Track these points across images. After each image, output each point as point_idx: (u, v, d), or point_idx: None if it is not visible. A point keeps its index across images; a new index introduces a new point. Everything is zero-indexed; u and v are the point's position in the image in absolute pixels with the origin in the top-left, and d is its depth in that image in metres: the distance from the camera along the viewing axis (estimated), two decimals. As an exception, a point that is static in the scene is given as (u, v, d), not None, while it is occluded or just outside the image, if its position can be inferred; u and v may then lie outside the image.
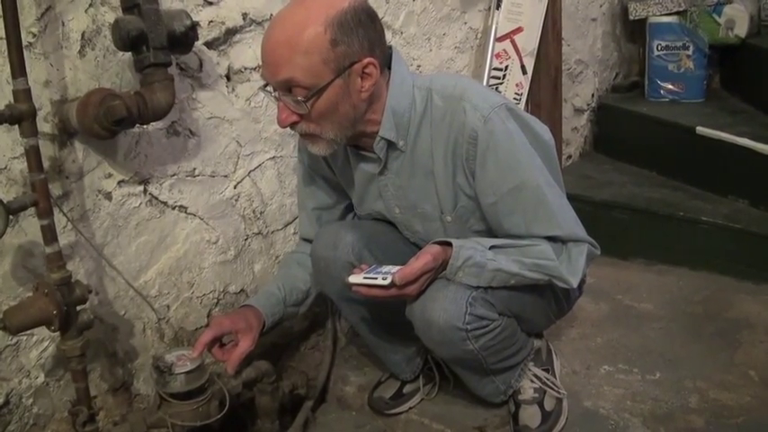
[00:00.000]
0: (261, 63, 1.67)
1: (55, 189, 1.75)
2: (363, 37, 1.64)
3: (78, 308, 1.73)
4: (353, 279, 1.70)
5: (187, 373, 1.86)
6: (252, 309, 1.97)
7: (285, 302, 2.03)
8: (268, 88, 1.72)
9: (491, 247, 1.74)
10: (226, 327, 1.89)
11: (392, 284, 1.66)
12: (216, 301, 2.20)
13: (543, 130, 1.82)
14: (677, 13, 3.37)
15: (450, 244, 1.72)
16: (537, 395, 2.01)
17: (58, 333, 1.72)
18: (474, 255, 1.71)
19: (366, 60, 1.65)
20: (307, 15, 1.60)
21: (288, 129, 1.72)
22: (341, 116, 1.69)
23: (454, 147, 1.75)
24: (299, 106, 1.64)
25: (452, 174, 1.79)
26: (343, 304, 2.02)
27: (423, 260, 1.69)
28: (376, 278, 1.67)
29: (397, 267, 1.69)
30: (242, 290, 2.26)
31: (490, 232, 1.85)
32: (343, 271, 1.81)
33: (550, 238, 1.78)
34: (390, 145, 1.80)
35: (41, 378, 1.82)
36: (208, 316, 2.17)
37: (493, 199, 1.76)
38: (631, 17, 3.48)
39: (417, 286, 1.71)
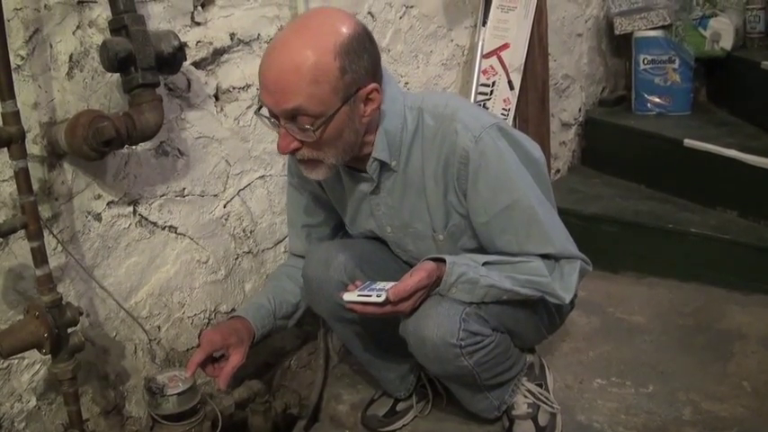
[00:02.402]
0: (261, 89, 1.64)
1: (44, 211, 1.74)
2: (368, 62, 1.64)
3: (69, 330, 1.72)
4: (347, 297, 1.70)
5: (179, 394, 1.85)
6: (241, 320, 1.97)
7: (275, 315, 2.03)
8: (263, 112, 1.69)
9: (484, 264, 1.75)
10: (217, 344, 1.88)
11: (387, 301, 1.66)
12: (207, 321, 2.19)
13: (534, 148, 1.83)
14: (662, 27, 3.39)
15: (443, 260, 1.73)
16: (531, 410, 2.01)
17: (49, 356, 1.71)
18: (467, 271, 1.71)
19: (371, 86, 1.65)
20: (314, 43, 1.57)
21: (276, 146, 1.71)
22: (344, 142, 1.69)
23: (445, 166, 1.76)
24: (306, 134, 1.63)
25: (444, 192, 1.80)
26: (335, 323, 2.02)
27: (417, 277, 1.69)
28: (370, 295, 1.67)
29: (391, 284, 1.69)
30: (233, 309, 2.25)
31: (482, 250, 1.85)
32: (335, 290, 1.80)
33: (543, 256, 1.78)
34: (383, 165, 1.80)
35: (33, 402, 1.81)
36: (199, 336, 2.16)
37: (485, 218, 1.77)
38: (617, 32, 3.49)
39: (411, 303, 1.71)
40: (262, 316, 2.00)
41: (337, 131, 1.65)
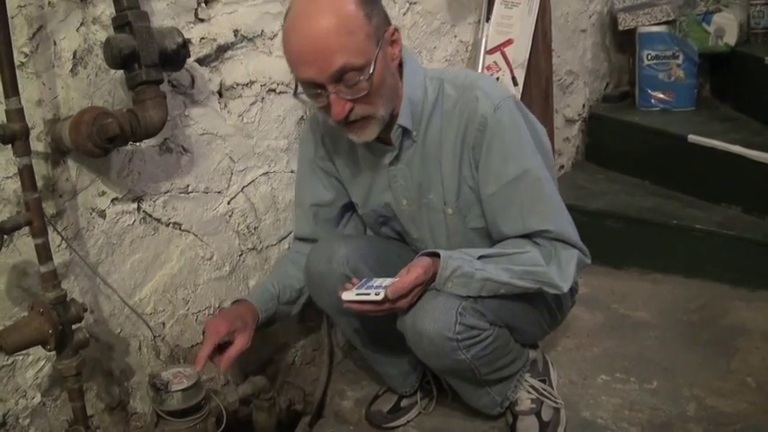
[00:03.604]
0: (297, 66, 1.67)
1: (49, 208, 1.74)
2: (381, 6, 1.71)
3: (74, 327, 1.72)
4: (346, 296, 1.71)
5: (184, 390, 1.85)
6: (245, 303, 1.98)
7: (279, 299, 2.04)
8: (301, 94, 1.72)
9: (480, 257, 1.75)
10: (223, 333, 1.88)
11: (385, 299, 1.66)
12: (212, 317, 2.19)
13: (543, 133, 1.87)
14: (666, 22, 3.38)
15: (438, 255, 1.73)
16: (534, 406, 2.01)
17: (53, 352, 1.71)
18: (462, 265, 1.72)
19: (392, 27, 1.72)
20: (333, 1, 1.63)
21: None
22: (388, 88, 1.74)
23: (464, 135, 1.79)
24: (358, 88, 1.66)
25: (459, 164, 1.83)
26: (339, 318, 2.02)
27: (414, 273, 1.69)
28: (368, 293, 1.68)
29: (389, 280, 1.69)
30: (237, 305, 2.25)
31: (486, 232, 1.87)
32: (338, 284, 1.80)
33: (544, 233, 1.79)
34: (405, 134, 1.83)
35: (38, 398, 1.81)
36: (203, 333, 2.16)
37: (494, 188, 1.79)
38: (621, 27, 3.49)
39: (409, 299, 1.72)
40: (265, 299, 2.01)
41: (382, 77, 1.69)
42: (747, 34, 3.44)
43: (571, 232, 1.83)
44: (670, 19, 3.37)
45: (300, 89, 1.71)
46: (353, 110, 1.69)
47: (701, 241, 2.78)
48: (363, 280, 1.75)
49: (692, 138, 3.00)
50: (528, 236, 1.81)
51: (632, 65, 3.61)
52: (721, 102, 3.54)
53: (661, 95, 3.43)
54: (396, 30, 1.73)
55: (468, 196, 1.86)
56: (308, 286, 2.00)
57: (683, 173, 3.07)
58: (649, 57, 3.42)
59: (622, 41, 3.71)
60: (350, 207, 2.12)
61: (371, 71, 1.65)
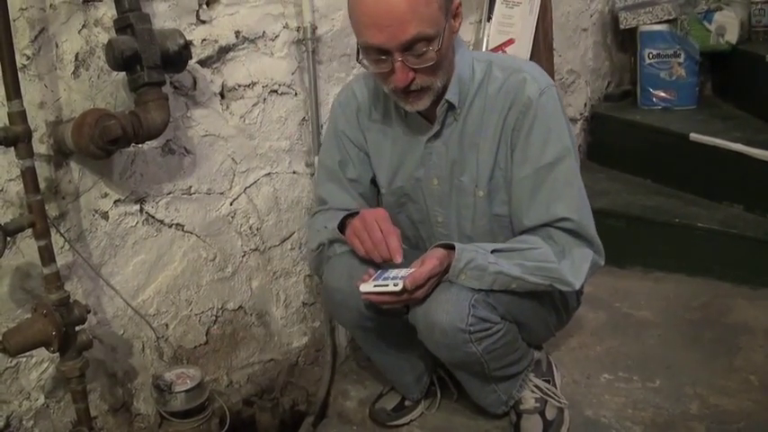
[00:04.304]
0: (366, 29, 1.64)
1: (51, 210, 1.75)
2: None
3: (77, 328, 1.73)
4: (364, 287, 1.70)
5: (187, 391, 1.86)
6: (375, 209, 1.86)
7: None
8: (362, 60, 1.71)
9: (493, 251, 1.75)
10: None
11: (403, 290, 1.66)
12: (215, 318, 2.19)
13: (572, 131, 1.88)
14: (667, 21, 3.38)
15: (452, 248, 1.73)
16: (538, 405, 2.01)
17: (57, 354, 1.72)
18: (476, 257, 1.72)
19: (458, 0, 1.72)
20: None
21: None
22: (449, 60, 1.76)
23: (506, 115, 1.81)
24: (426, 58, 1.66)
25: (496, 148, 1.84)
26: (357, 332, 2.03)
27: (430, 264, 1.70)
28: (387, 284, 1.68)
29: (404, 271, 1.69)
30: (240, 306, 2.26)
31: (507, 221, 1.89)
32: (358, 300, 1.80)
33: (565, 221, 1.79)
34: (449, 110, 1.84)
35: (41, 400, 1.82)
36: (206, 333, 2.17)
37: (528, 171, 1.80)
38: (622, 26, 3.49)
39: (425, 290, 1.72)
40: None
41: (446, 49, 1.72)
42: (749, 32, 3.43)
43: (591, 227, 1.84)
44: (671, 17, 3.37)
45: (361, 54, 1.70)
46: (415, 80, 1.70)
47: (703, 240, 2.78)
48: (379, 271, 1.75)
49: (694, 136, 3.00)
50: (548, 225, 1.81)
51: (634, 64, 3.61)
52: (723, 100, 3.54)
53: (662, 94, 3.43)
54: (460, 2, 1.74)
55: (499, 180, 1.87)
56: (327, 302, 1.99)
57: (684, 171, 3.07)
58: (651, 55, 3.42)
59: (623, 40, 3.71)
60: (367, 193, 2.07)
61: (440, 42, 1.66)
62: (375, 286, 1.69)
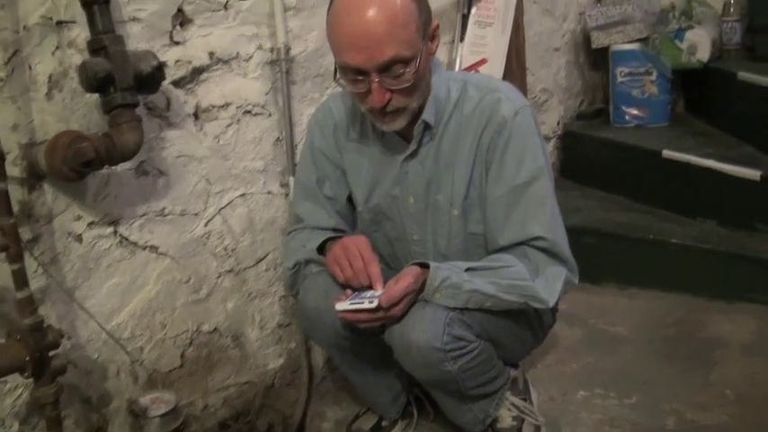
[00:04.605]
0: (344, 51, 1.65)
1: (25, 233, 1.73)
2: (428, 1, 1.73)
3: (51, 353, 1.71)
4: (339, 306, 1.71)
5: (162, 416, 1.84)
6: (355, 237, 1.88)
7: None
8: (339, 79, 1.72)
9: (467, 270, 1.75)
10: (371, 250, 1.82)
11: (378, 307, 1.67)
12: (189, 341, 2.18)
13: (546, 150, 1.89)
14: (639, 40, 3.41)
15: (427, 266, 1.74)
16: (515, 423, 2.01)
17: (31, 380, 1.70)
18: (450, 275, 1.72)
19: (436, 22, 1.75)
20: None
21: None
22: (426, 81, 1.78)
23: (481, 135, 1.82)
24: (402, 80, 1.68)
25: (471, 166, 1.85)
26: (334, 352, 2.02)
27: (405, 281, 1.70)
28: (362, 302, 1.68)
29: (380, 291, 1.70)
30: (215, 329, 2.24)
31: (482, 240, 1.90)
32: (335, 319, 1.79)
33: (539, 240, 1.80)
34: (426, 129, 1.85)
35: (16, 427, 1.79)
36: (181, 357, 2.15)
37: (503, 190, 1.82)
38: (594, 46, 3.51)
39: (401, 307, 1.72)
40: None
41: (423, 71, 1.73)
42: (720, 50, 3.47)
43: (565, 245, 1.85)
44: (643, 37, 3.40)
45: (339, 74, 1.71)
46: (391, 101, 1.71)
47: (677, 255, 2.79)
48: (355, 293, 1.75)
49: (667, 153, 3.02)
50: (523, 243, 1.81)
51: (606, 82, 3.63)
52: (695, 117, 3.57)
53: (635, 112, 3.46)
54: (438, 25, 1.76)
55: (474, 199, 1.88)
56: (303, 320, 1.98)
57: (658, 188, 3.09)
58: (623, 74, 3.45)
59: (596, 59, 3.74)
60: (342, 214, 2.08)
61: (417, 64, 1.67)
62: (351, 304, 1.70)
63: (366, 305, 1.67)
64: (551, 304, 1.81)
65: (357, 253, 1.77)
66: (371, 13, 1.61)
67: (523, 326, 1.95)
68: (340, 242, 1.83)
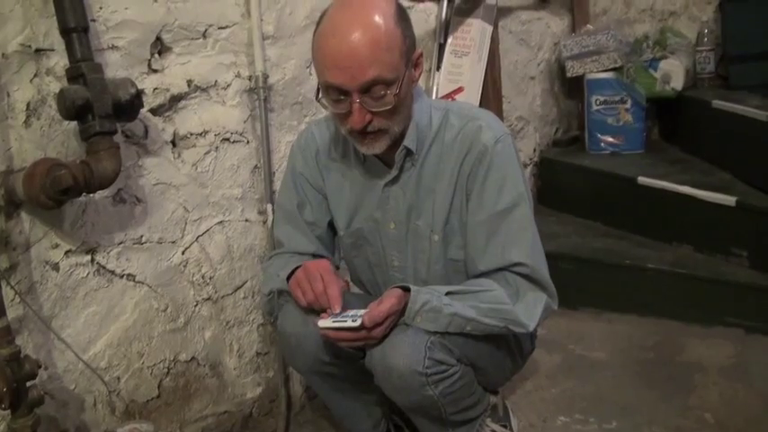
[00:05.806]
0: (327, 69, 1.67)
1: (2, 261, 1.72)
2: (413, 29, 1.76)
3: (28, 384, 1.69)
4: (322, 323, 1.70)
5: (140, 445, 1.83)
6: (318, 261, 1.90)
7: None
8: (321, 99, 1.74)
9: (447, 293, 1.76)
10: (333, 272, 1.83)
11: (361, 327, 1.67)
12: (167, 370, 2.16)
13: (526, 178, 1.89)
14: (614, 69, 3.45)
15: (408, 289, 1.74)
16: (496, 450, 2.01)
17: (8, 411, 1.68)
18: (431, 299, 1.73)
19: (419, 50, 1.79)
20: (379, 13, 1.68)
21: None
22: (407, 106, 1.80)
23: (462, 163, 1.84)
24: (383, 102, 1.70)
25: (452, 193, 1.87)
26: (313, 378, 2.00)
27: (388, 302, 1.70)
28: (345, 321, 1.68)
29: (363, 311, 1.70)
30: (193, 357, 2.22)
31: (462, 266, 1.91)
32: (314, 345, 1.80)
33: (519, 266, 1.81)
34: (408, 156, 1.86)
35: (-8, 459, 1.77)
36: (159, 386, 2.13)
37: (483, 217, 1.83)
38: (569, 75, 3.54)
39: (383, 328, 1.72)
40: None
41: (404, 96, 1.76)
42: (694, 79, 3.52)
43: (545, 271, 1.86)
44: (617, 66, 3.44)
45: (321, 93, 1.72)
46: (372, 122, 1.73)
47: (653, 280, 2.81)
48: (338, 312, 1.74)
49: (642, 179, 3.05)
50: (503, 269, 1.82)
51: (581, 110, 3.66)
52: (670, 144, 3.62)
53: (610, 139, 3.49)
54: (421, 53, 1.79)
55: (454, 225, 1.89)
56: (282, 347, 1.98)
57: (633, 214, 3.12)
58: (598, 102, 3.48)
59: (571, 87, 3.77)
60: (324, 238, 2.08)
61: (399, 88, 1.69)
62: (334, 322, 1.69)
63: (349, 323, 1.67)
64: (531, 329, 1.81)
65: (318, 276, 1.78)
66: (357, 35, 1.64)
67: (503, 351, 1.95)
68: (303, 266, 1.84)
